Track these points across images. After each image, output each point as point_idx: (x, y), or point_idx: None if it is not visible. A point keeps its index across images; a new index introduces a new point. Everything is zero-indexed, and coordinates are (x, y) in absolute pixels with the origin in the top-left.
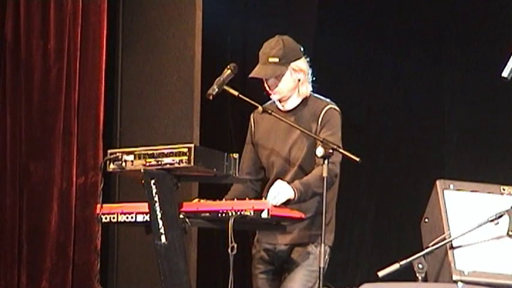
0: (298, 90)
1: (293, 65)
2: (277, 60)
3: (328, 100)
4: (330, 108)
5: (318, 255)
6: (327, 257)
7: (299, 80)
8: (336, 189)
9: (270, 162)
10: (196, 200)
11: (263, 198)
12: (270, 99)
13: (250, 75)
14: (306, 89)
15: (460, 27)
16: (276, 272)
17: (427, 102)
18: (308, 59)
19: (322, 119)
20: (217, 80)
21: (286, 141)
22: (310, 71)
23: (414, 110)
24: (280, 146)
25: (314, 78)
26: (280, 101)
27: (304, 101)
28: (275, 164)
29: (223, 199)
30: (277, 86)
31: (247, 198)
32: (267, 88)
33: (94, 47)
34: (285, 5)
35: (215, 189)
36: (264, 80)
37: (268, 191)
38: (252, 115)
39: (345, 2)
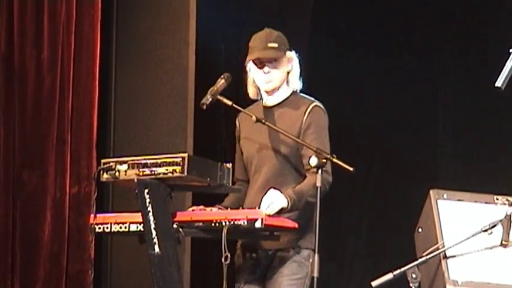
0: (287, 83)
1: (288, 53)
2: (276, 45)
3: (312, 99)
4: (315, 106)
5: (303, 261)
6: (311, 260)
7: (288, 72)
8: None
9: (250, 158)
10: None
11: (256, 207)
12: (254, 101)
13: (254, 57)
14: (296, 83)
15: (455, 36)
16: (260, 280)
17: (421, 111)
18: (298, 55)
19: (307, 117)
20: (211, 89)
21: (269, 134)
22: (299, 67)
23: (408, 119)
24: (263, 140)
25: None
26: (270, 91)
27: (290, 97)
28: (255, 155)
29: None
30: (273, 72)
31: (240, 208)
32: (261, 78)
33: (87, 56)
34: (279, 14)
35: (209, 199)
36: (259, 68)
37: (250, 189)
38: (237, 119)
39: (338, 13)
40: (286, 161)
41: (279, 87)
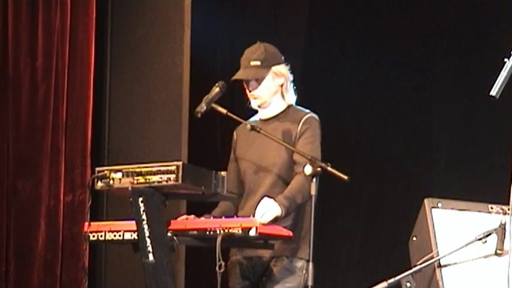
0: (283, 96)
1: (274, 69)
2: (258, 63)
3: (308, 111)
4: (310, 116)
5: (296, 271)
6: (304, 271)
7: (281, 86)
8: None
9: (247, 171)
10: (185, 217)
11: (250, 216)
12: (254, 114)
13: (232, 78)
14: (291, 95)
15: (450, 46)
16: (253, 286)
17: (416, 121)
18: (289, 66)
19: (301, 126)
20: (205, 97)
21: (264, 150)
22: (291, 78)
23: (403, 128)
24: (258, 155)
25: (295, 88)
26: (260, 106)
27: (286, 110)
28: (251, 172)
29: (211, 216)
30: (258, 90)
31: (235, 216)
32: (248, 94)
33: (82, 64)
34: (274, 23)
35: (203, 207)
36: (245, 86)
37: (245, 203)
38: (234, 132)
39: (334, 22)
40: (283, 173)
41: (271, 101)
